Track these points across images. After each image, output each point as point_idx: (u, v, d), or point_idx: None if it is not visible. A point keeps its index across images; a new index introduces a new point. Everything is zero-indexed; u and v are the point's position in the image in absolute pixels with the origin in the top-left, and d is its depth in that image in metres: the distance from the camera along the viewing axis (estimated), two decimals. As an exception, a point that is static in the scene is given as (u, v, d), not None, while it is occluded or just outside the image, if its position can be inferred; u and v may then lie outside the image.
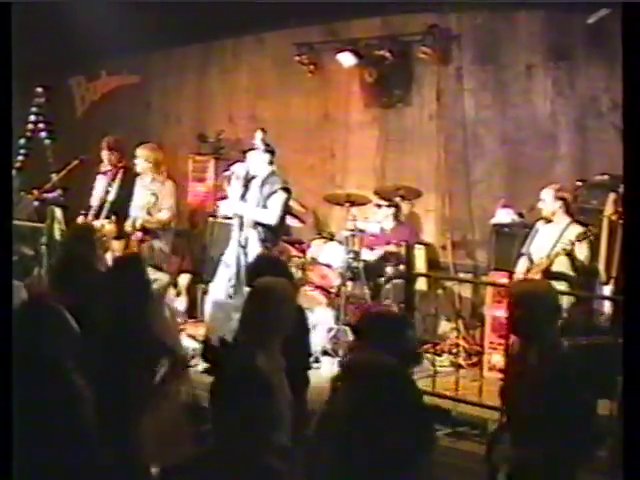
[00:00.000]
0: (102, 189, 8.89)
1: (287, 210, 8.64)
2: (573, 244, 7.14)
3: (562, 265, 7.29)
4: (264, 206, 7.80)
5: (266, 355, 4.09)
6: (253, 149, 8.01)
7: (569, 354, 4.64)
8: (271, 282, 4.57)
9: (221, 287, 7.80)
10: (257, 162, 7.93)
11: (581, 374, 4.33)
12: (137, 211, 8.60)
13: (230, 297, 7.59)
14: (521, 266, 7.66)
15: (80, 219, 8.68)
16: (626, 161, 2.98)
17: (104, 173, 9.00)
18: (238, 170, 7.96)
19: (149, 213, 8.52)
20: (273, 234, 7.92)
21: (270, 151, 7.99)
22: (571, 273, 7.29)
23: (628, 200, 2.95)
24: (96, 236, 7.01)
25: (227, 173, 8.16)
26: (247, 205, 7.84)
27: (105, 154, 9.03)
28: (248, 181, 7.92)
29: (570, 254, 7.18)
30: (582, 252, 7.27)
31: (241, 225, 7.82)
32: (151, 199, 8.56)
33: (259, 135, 8.06)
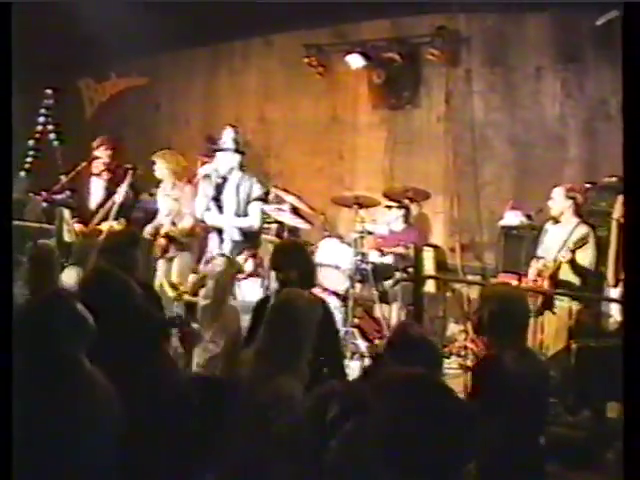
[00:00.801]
0: (102, 191, 8.84)
1: (294, 211, 8.68)
2: (573, 252, 7.08)
3: (565, 272, 7.25)
4: (244, 213, 7.83)
5: (296, 378, 4.02)
6: (222, 149, 7.99)
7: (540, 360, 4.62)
8: (295, 297, 4.47)
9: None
10: (227, 164, 7.91)
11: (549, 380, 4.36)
12: (162, 218, 8.61)
13: None
14: (532, 269, 7.62)
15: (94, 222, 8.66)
16: (626, 161, 2.97)
17: (99, 174, 8.93)
18: (206, 171, 7.96)
19: (174, 222, 8.53)
20: (254, 236, 8.00)
21: (240, 152, 7.96)
22: (575, 281, 7.24)
23: (628, 200, 2.93)
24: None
25: (198, 176, 8.14)
26: (224, 216, 7.87)
27: (100, 153, 8.97)
28: (220, 183, 7.91)
29: (572, 262, 7.13)
30: (584, 258, 7.20)
31: (221, 237, 7.88)
32: (174, 206, 8.57)
33: (229, 133, 8.01)
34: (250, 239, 8.04)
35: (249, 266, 7.95)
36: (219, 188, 7.93)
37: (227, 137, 8.00)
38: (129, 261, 5.77)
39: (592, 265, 7.22)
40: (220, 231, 7.97)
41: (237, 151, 7.96)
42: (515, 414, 4.02)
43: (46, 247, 6.30)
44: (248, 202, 7.92)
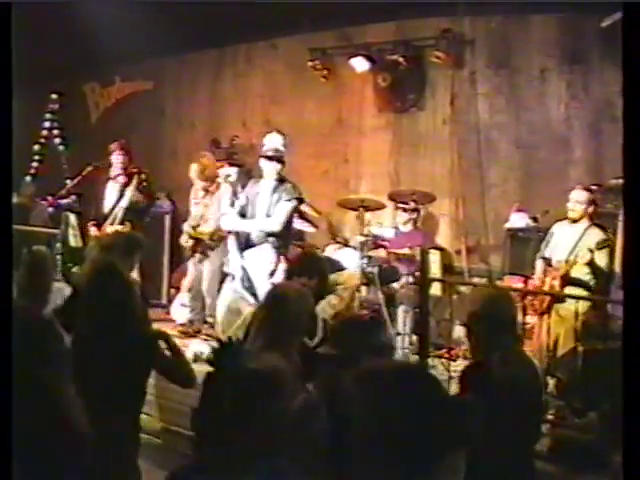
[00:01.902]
0: (115, 195, 8.89)
1: (300, 215, 8.69)
2: (593, 252, 7.05)
3: (581, 272, 7.22)
4: (270, 214, 7.79)
5: (283, 356, 4.08)
6: (266, 157, 7.98)
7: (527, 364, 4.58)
8: (289, 288, 4.58)
9: (228, 295, 7.84)
10: (271, 169, 7.90)
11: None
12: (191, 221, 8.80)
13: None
14: (539, 269, 7.59)
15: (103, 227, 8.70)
16: (626, 163, 2.96)
17: (114, 178, 8.98)
18: (228, 174, 7.96)
19: (196, 226, 8.66)
20: (282, 240, 7.92)
21: (282, 162, 7.94)
22: (590, 279, 7.21)
23: (628, 202, 2.91)
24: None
25: (220, 178, 8.15)
26: (246, 220, 7.85)
27: (116, 158, 9.02)
28: (251, 188, 7.91)
29: (590, 263, 7.10)
30: (602, 259, 7.18)
31: (240, 242, 7.85)
32: (200, 211, 8.68)
33: (278, 140, 8.00)
34: (280, 242, 7.97)
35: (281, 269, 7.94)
36: (235, 190, 7.95)
37: (271, 143, 7.96)
38: (127, 263, 5.80)
39: (608, 267, 7.20)
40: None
41: (279, 161, 7.94)
42: (502, 419, 4.00)
43: (41, 253, 6.29)
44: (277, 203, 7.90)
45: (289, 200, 7.75)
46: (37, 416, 3.28)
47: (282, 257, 7.77)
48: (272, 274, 7.62)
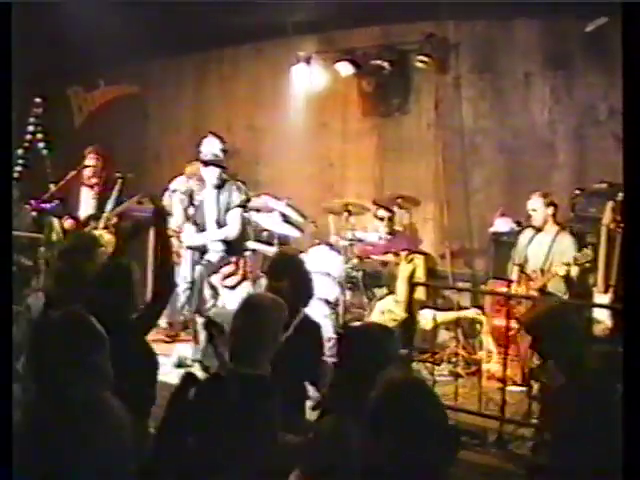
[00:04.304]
0: (91, 201, 8.91)
1: (284, 219, 8.72)
2: (569, 265, 7.12)
3: (558, 286, 7.30)
4: (224, 222, 7.89)
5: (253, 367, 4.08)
6: (204, 162, 8.02)
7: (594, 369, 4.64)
8: (264, 298, 4.56)
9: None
10: (210, 174, 7.94)
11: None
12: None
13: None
14: (515, 276, 7.70)
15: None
16: (626, 167, 2.97)
17: (88, 184, 9.03)
18: (179, 186, 7.99)
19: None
20: (236, 246, 8.04)
21: (222, 167, 7.99)
22: (564, 292, 7.31)
23: (628, 207, 2.93)
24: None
25: (169, 191, 8.17)
26: (204, 234, 7.93)
27: (89, 162, 9.03)
28: (191, 196, 7.96)
29: (567, 277, 7.19)
30: (579, 274, 7.27)
31: (201, 253, 7.93)
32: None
33: (215, 144, 8.03)
34: (233, 248, 8.08)
35: (235, 277, 8.02)
36: (191, 200, 7.98)
37: (208, 148, 8.01)
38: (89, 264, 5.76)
39: (585, 281, 7.29)
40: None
41: (218, 166, 7.98)
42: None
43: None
44: (227, 210, 7.98)
45: (239, 205, 7.87)
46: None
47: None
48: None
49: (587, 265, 7.16)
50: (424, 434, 2.82)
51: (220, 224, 8.07)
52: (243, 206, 8.15)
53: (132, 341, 4.65)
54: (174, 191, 8.03)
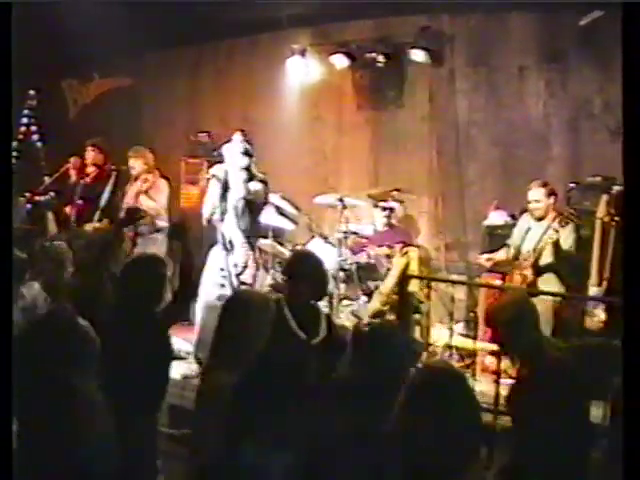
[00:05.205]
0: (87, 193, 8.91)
1: (279, 212, 8.71)
2: (557, 231, 7.07)
3: (549, 257, 7.27)
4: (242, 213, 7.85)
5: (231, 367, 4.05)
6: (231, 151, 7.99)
7: (557, 360, 4.67)
8: (250, 294, 4.57)
9: (209, 291, 7.82)
10: (234, 165, 7.92)
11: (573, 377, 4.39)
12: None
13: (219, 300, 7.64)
14: (500, 254, 7.71)
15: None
16: (626, 162, 2.98)
17: (87, 177, 9.02)
18: (217, 172, 7.94)
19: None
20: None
21: (249, 155, 7.96)
22: (557, 263, 7.27)
23: (628, 201, 2.93)
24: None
25: (207, 176, 8.12)
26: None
27: (90, 155, 9.03)
28: (226, 183, 7.91)
29: (556, 243, 7.14)
30: (567, 241, 7.23)
31: (228, 243, 7.87)
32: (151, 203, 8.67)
33: (238, 137, 8.02)
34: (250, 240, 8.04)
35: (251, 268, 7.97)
36: (226, 187, 7.92)
37: (236, 140, 7.98)
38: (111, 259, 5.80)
39: (572, 248, 7.25)
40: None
41: (246, 154, 7.94)
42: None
43: (58, 248, 6.30)
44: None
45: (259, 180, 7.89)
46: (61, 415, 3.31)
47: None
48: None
49: (570, 224, 7.15)
50: (454, 428, 2.83)
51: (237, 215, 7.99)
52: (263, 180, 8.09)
53: (155, 335, 4.69)
54: (214, 176, 8.00)
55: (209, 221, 7.98)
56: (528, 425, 4.18)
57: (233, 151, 7.89)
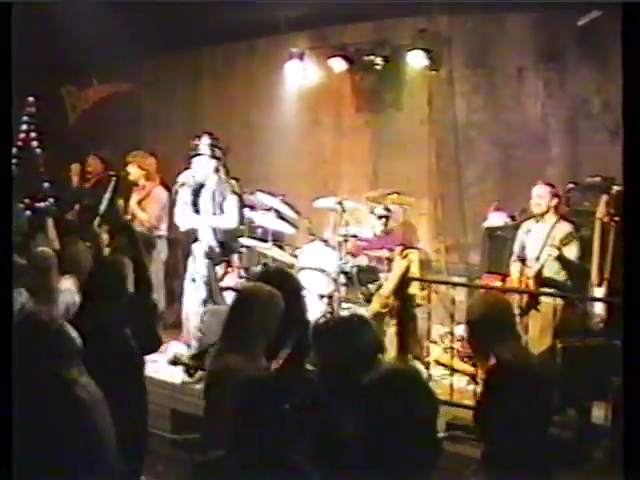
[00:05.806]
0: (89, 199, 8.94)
1: (278, 215, 8.74)
2: (559, 248, 7.08)
3: (552, 269, 7.26)
4: (220, 213, 7.88)
5: (247, 359, 4.07)
6: (199, 154, 7.99)
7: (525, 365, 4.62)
8: (256, 287, 4.57)
9: (191, 301, 7.90)
10: (204, 169, 7.93)
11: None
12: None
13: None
14: (514, 270, 7.64)
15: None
16: (625, 162, 2.97)
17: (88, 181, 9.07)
18: (186, 178, 7.96)
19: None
20: (232, 239, 8.05)
21: (216, 157, 7.97)
22: (562, 277, 7.26)
23: (627, 201, 2.92)
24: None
25: (176, 186, 8.14)
26: (201, 216, 7.91)
27: (91, 164, 9.07)
28: (197, 189, 7.94)
29: (560, 258, 7.14)
30: (571, 253, 7.22)
31: (195, 239, 7.92)
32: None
33: (205, 140, 8.02)
34: (227, 248, 8.09)
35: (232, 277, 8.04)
36: (196, 194, 7.96)
37: (203, 143, 7.99)
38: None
39: (577, 259, 7.24)
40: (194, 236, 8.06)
41: (213, 157, 7.97)
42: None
43: (45, 254, 6.29)
44: (222, 203, 7.97)
45: (229, 195, 7.90)
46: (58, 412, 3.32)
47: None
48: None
49: (573, 242, 7.15)
50: (409, 427, 2.84)
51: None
52: (239, 195, 8.15)
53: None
54: (183, 184, 8.01)
55: (186, 229, 8.08)
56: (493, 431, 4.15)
57: (202, 155, 7.95)
